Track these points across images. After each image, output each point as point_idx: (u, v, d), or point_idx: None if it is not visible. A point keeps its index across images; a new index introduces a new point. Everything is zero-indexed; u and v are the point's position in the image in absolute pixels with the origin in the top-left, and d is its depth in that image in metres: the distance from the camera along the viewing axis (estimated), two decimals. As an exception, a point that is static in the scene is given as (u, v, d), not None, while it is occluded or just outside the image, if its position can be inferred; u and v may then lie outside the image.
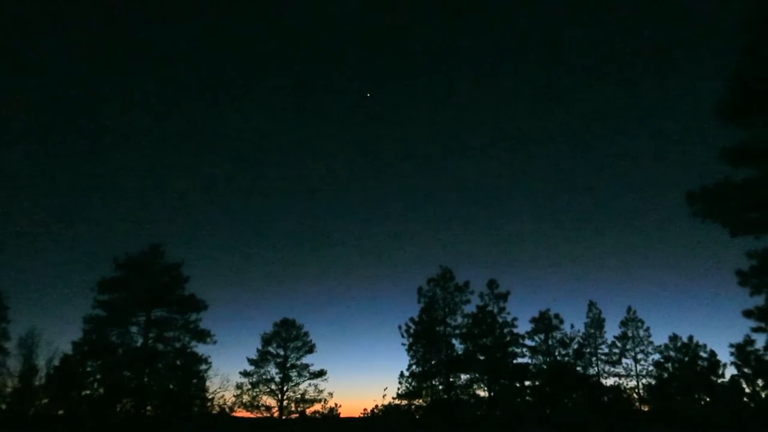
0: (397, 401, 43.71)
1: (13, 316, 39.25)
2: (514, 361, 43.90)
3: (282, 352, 45.31)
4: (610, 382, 46.10)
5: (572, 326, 46.34)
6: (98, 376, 37.78)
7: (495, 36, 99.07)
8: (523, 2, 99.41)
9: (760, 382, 42.82)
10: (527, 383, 44.50)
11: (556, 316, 46.17)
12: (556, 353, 45.51)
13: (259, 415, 43.73)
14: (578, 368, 45.51)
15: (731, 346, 41.07)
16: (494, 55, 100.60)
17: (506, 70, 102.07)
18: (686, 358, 45.84)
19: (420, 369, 42.99)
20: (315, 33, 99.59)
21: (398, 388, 43.34)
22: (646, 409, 46.30)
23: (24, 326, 47.33)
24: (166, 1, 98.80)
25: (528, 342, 45.12)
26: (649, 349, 46.63)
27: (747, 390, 44.33)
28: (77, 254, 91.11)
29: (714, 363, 45.53)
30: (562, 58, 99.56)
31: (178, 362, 37.99)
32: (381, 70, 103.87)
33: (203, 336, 38.05)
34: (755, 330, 24.31)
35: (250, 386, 44.20)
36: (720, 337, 78.74)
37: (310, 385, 44.77)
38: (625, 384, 46.10)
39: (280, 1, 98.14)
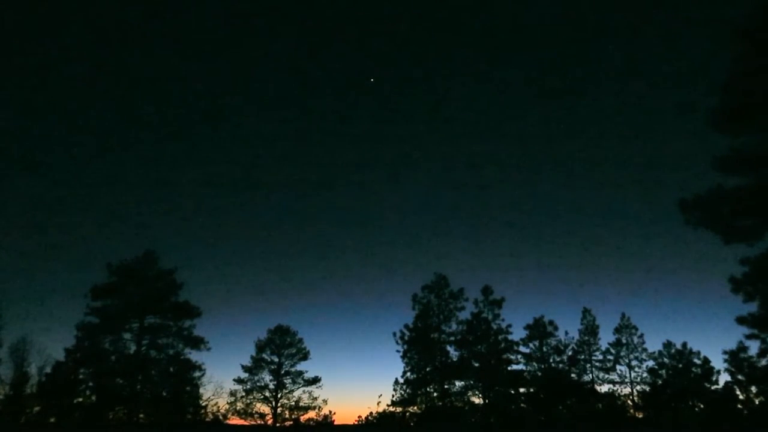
0: (391, 408, 43.70)
1: (5, 323, 38.97)
2: (509, 368, 43.92)
3: (276, 359, 45.15)
4: (604, 388, 46.19)
5: (566, 333, 46.47)
6: (91, 384, 37.65)
7: (489, 40, 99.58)
8: (518, 7, 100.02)
9: (753, 388, 42.93)
10: (522, 390, 44.47)
11: (551, 322, 46.28)
12: (551, 360, 45.56)
13: (252, 423, 43.52)
14: (572, 375, 45.55)
15: (725, 352, 41.06)
16: (488, 61, 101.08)
17: (501, 76, 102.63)
18: (680, 365, 45.92)
19: (414, 376, 42.94)
20: (313, 36, 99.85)
21: (393, 395, 43.39)
22: (640, 415, 46.35)
23: (16, 333, 47.09)
24: (158, 4, 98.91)
25: (522, 349, 45.19)
26: (643, 356, 46.73)
27: (741, 397, 44.46)
28: (70, 260, 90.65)
29: (708, 370, 45.63)
30: (557, 64, 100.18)
31: (172, 369, 37.86)
32: (376, 76, 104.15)
33: (197, 343, 37.94)
34: (748, 337, 24.42)
35: (243, 393, 44.02)
36: (713, 344, 78.91)
37: (304, 392, 44.69)
38: (619, 391, 46.19)
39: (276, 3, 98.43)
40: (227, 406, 43.26)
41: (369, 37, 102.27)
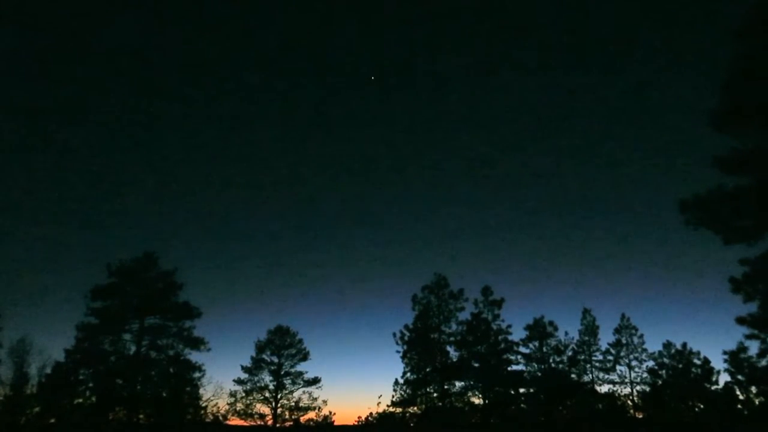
0: (391, 409, 43.68)
1: (5, 324, 38.90)
2: (509, 369, 43.88)
3: (276, 360, 45.15)
4: (604, 389, 46.20)
5: (566, 333, 46.38)
6: (91, 384, 37.54)
7: (490, 38, 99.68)
8: (516, 12, 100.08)
9: (753, 389, 42.88)
10: (522, 390, 44.45)
11: (551, 323, 46.20)
12: (551, 360, 45.48)
13: (252, 423, 43.51)
14: (573, 375, 45.51)
15: (725, 353, 40.91)
16: (489, 60, 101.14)
17: (499, 80, 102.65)
18: (680, 365, 45.89)
19: (414, 376, 42.94)
20: (312, 36, 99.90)
21: (393, 396, 43.42)
22: (641, 416, 46.33)
23: (16, 334, 47.03)
24: (159, 4, 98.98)
25: (522, 349, 45.14)
26: (643, 356, 46.73)
27: (740, 397, 44.44)
28: (70, 261, 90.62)
29: (707, 370, 45.59)
30: (556, 68, 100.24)
31: (172, 370, 37.81)
32: (375, 78, 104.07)
33: (197, 343, 37.89)
34: (748, 337, 24.44)
35: (243, 394, 44.05)
36: (713, 345, 78.97)
37: (304, 392, 44.74)
38: (619, 391, 46.21)
39: (274, 4, 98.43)
40: (227, 407, 43.34)
41: (369, 36, 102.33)
